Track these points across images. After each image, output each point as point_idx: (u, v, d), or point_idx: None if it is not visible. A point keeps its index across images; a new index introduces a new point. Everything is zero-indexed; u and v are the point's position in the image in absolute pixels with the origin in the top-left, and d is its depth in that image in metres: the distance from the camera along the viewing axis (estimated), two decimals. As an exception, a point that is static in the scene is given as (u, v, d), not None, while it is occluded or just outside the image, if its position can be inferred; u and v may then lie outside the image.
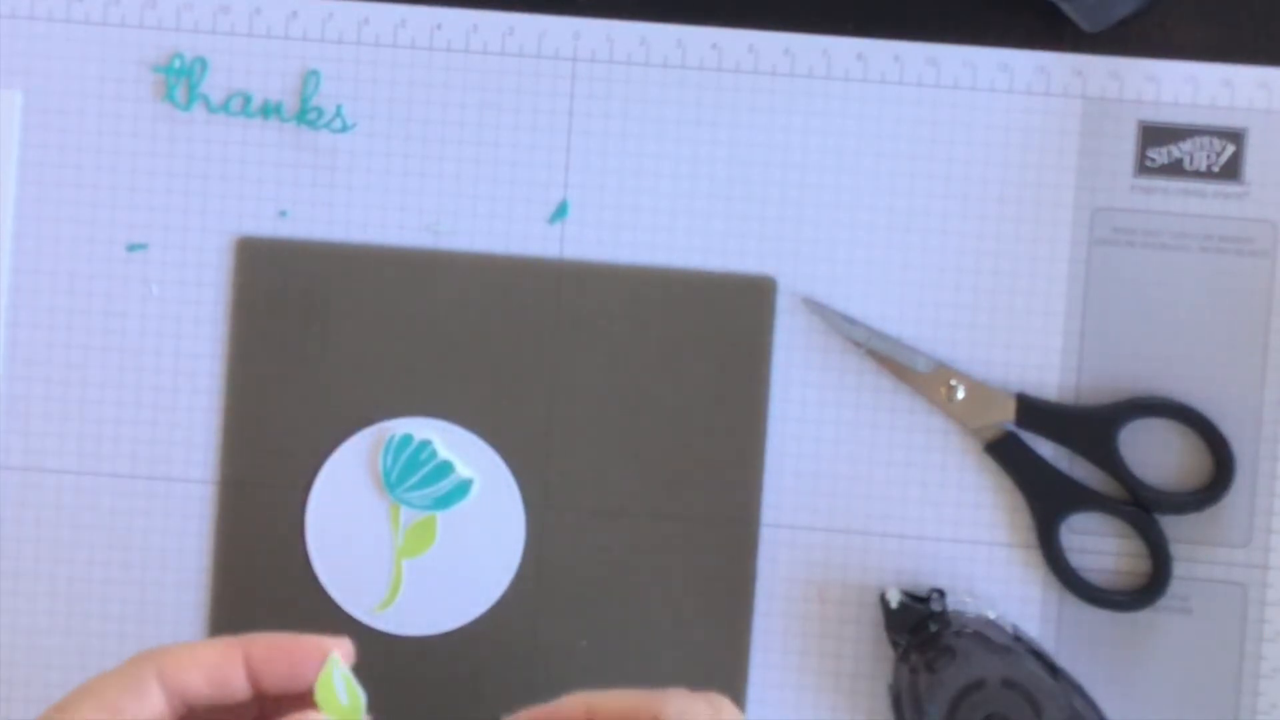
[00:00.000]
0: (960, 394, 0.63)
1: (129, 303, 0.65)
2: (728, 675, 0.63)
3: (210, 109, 0.64)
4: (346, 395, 0.64)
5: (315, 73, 0.64)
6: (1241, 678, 0.63)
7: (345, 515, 0.63)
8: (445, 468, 0.63)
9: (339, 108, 0.64)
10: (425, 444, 0.63)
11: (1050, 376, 0.63)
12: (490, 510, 0.64)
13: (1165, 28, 0.63)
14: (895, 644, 0.62)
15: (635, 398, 0.64)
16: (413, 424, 0.64)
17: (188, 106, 0.64)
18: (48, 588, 0.64)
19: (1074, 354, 0.63)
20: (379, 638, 0.63)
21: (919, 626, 0.61)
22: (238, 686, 0.49)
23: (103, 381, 0.64)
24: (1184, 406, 0.63)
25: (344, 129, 0.64)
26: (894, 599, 0.62)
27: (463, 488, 0.63)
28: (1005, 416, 0.63)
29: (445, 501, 0.63)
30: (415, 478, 0.63)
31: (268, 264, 0.64)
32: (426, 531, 0.63)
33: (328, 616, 0.63)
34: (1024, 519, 0.63)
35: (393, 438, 0.63)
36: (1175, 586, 0.62)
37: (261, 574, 0.64)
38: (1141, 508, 0.62)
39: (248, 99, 0.64)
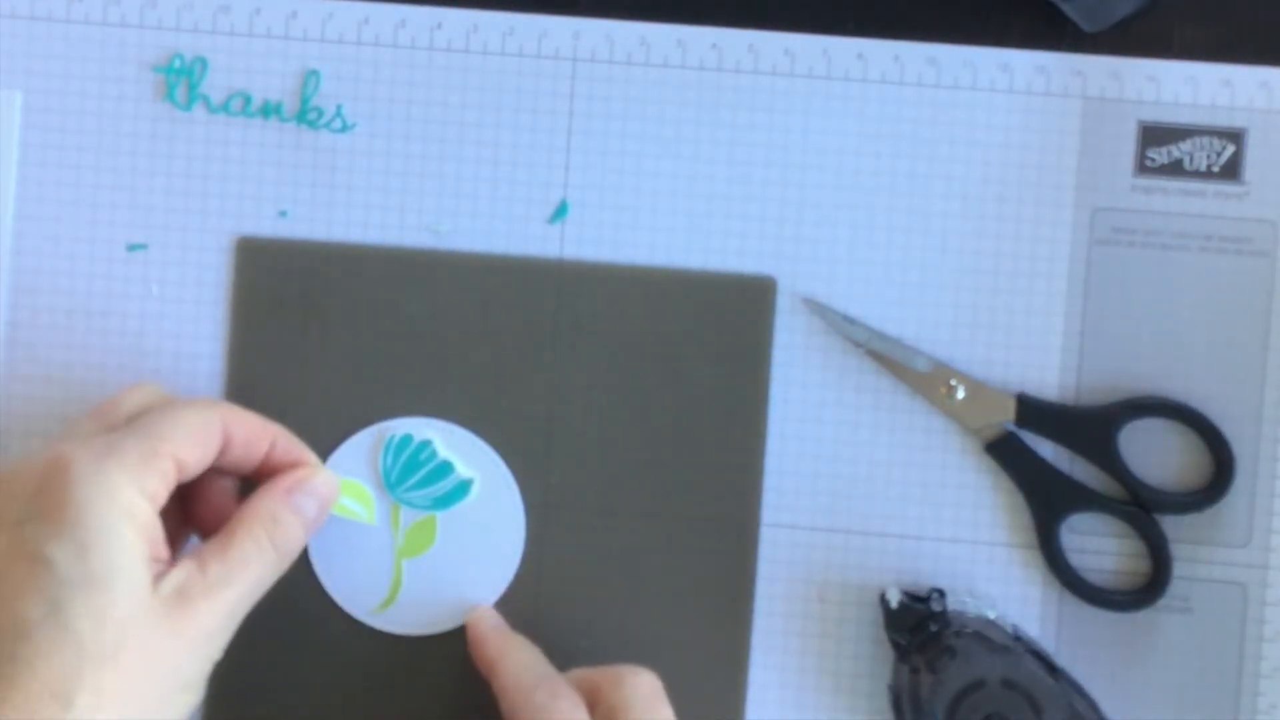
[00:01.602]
0: (960, 394, 0.63)
1: (129, 303, 0.65)
2: (728, 675, 0.63)
3: (210, 109, 0.64)
4: (346, 395, 0.64)
5: (315, 73, 0.64)
6: (1241, 678, 0.63)
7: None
8: (445, 468, 0.63)
9: (339, 108, 0.64)
10: (425, 444, 0.63)
11: (1050, 376, 0.63)
12: (490, 510, 0.64)
13: (1165, 28, 0.63)
14: (895, 644, 0.62)
15: (635, 398, 0.64)
16: (413, 424, 0.63)
17: (188, 106, 0.64)
18: (48, 588, 0.64)
19: (1074, 354, 0.63)
20: (379, 637, 0.63)
21: (919, 626, 0.61)
22: (255, 456, 0.59)
23: (103, 381, 0.64)
24: (1184, 406, 0.63)
25: (344, 129, 0.64)
26: (894, 599, 0.62)
27: (463, 488, 0.63)
28: (1005, 416, 0.63)
29: (445, 501, 0.63)
30: (415, 478, 0.63)
31: (268, 264, 0.64)
32: (426, 531, 0.63)
33: (328, 616, 0.63)
34: (1024, 519, 0.63)
35: (393, 438, 0.63)
36: (1175, 586, 0.62)
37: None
38: (1141, 508, 0.62)
39: (248, 99, 0.64)
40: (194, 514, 0.60)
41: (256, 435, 0.58)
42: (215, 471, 0.59)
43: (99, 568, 0.52)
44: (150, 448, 0.54)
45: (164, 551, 0.55)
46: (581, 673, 0.59)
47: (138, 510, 0.53)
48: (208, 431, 0.57)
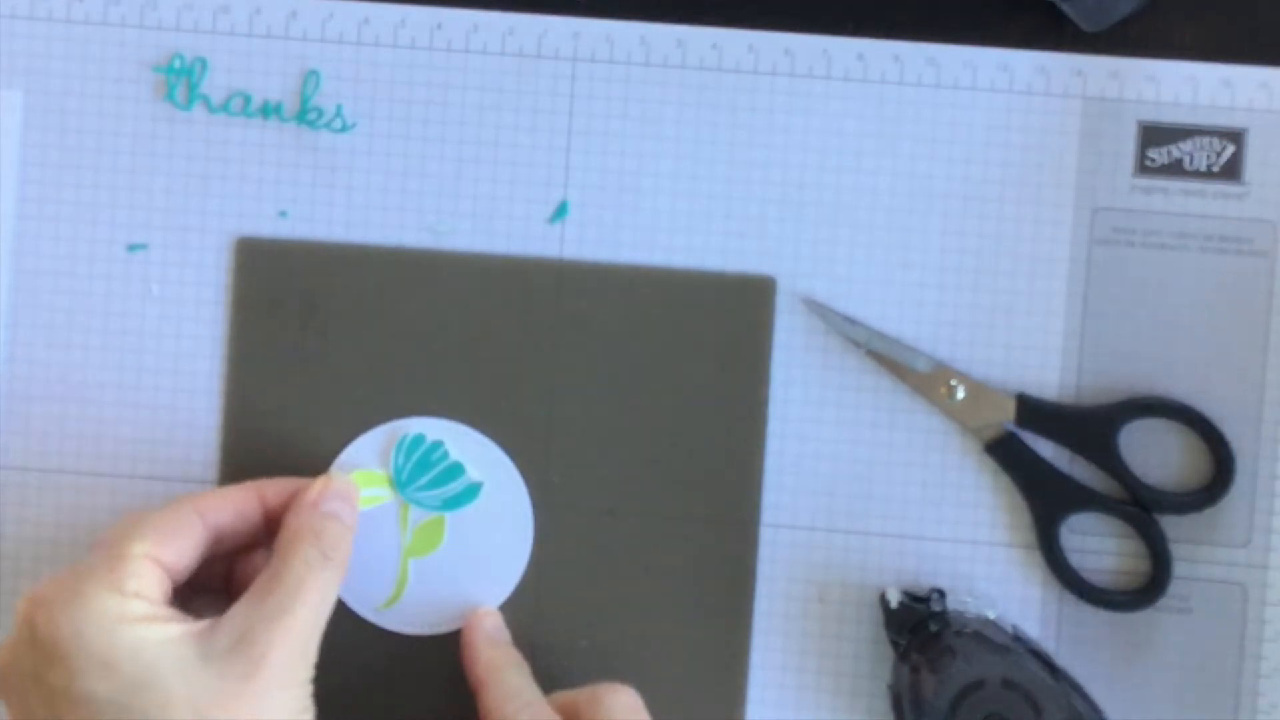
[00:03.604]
0: (960, 394, 0.63)
1: (129, 303, 0.65)
2: (728, 675, 0.63)
3: (210, 109, 0.64)
4: (345, 395, 0.64)
5: (315, 73, 0.64)
6: (1241, 678, 0.63)
7: (352, 514, 0.63)
8: (456, 469, 0.63)
9: (339, 108, 0.64)
10: (437, 445, 0.63)
11: (1050, 376, 0.63)
12: (499, 514, 0.63)
13: (1165, 28, 0.63)
14: (895, 644, 0.62)
15: (635, 398, 0.64)
16: (425, 424, 0.63)
17: (188, 106, 0.64)
18: (48, 588, 0.64)
19: (1074, 354, 0.63)
20: (382, 635, 0.63)
21: (919, 626, 0.61)
22: (254, 517, 0.58)
23: (103, 381, 0.64)
24: (1184, 406, 0.63)
25: (344, 129, 0.64)
26: (894, 599, 0.62)
27: (472, 490, 0.63)
28: (1005, 416, 0.63)
29: (455, 503, 0.63)
30: (426, 478, 0.63)
31: (268, 264, 0.64)
32: (435, 532, 0.63)
33: (333, 611, 0.63)
34: (1024, 519, 0.63)
35: (405, 437, 0.63)
36: (1175, 586, 0.62)
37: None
38: (1141, 508, 0.62)
39: (248, 99, 0.64)
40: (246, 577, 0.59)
41: (241, 501, 0.58)
42: (244, 550, 0.60)
43: (135, 672, 0.52)
44: (115, 554, 0.54)
45: (197, 622, 0.54)
46: (562, 695, 0.59)
47: (130, 610, 0.53)
48: (178, 524, 0.56)
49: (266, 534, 0.59)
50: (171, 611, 0.54)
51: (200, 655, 0.52)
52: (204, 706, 0.51)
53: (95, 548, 0.55)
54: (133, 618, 0.53)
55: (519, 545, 0.64)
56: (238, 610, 0.54)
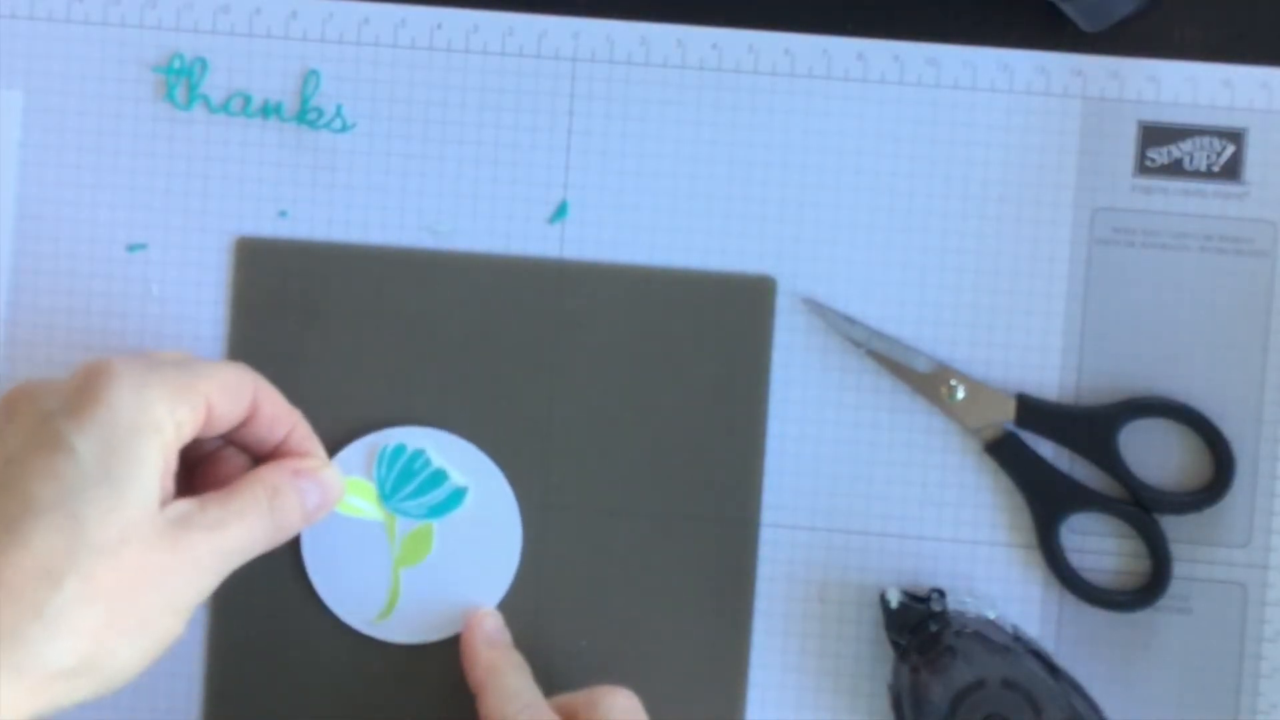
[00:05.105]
0: (960, 394, 0.63)
1: (129, 303, 0.65)
2: (728, 675, 0.63)
3: (210, 109, 0.64)
4: (346, 395, 0.64)
5: (315, 73, 0.64)
6: (1241, 678, 0.63)
7: (341, 526, 0.63)
8: (439, 476, 0.63)
9: (339, 108, 0.64)
10: (419, 453, 0.63)
11: (1050, 376, 0.63)
12: (486, 517, 0.63)
13: (1165, 28, 0.63)
14: (895, 644, 0.62)
15: (635, 398, 0.64)
16: (405, 433, 0.63)
17: (188, 106, 0.64)
18: (48, 588, 0.64)
19: (1074, 354, 0.63)
20: (379, 647, 0.63)
21: (919, 626, 0.61)
22: (273, 440, 0.60)
23: (103, 381, 0.64)
24: (1184, 406, 0.63)
25: (344, 129, 0.64)
26: (894, 599, 0.62)
27: (457, 496, 0.63)
28: (1005, 416, 0.63)
29: (440, 510, 0.63)
30: (410, 487, 0.63)
31: (267, 264, 0.64)
32: (423, 540, 0.63)
33: (326, 628, 0.63)
34: (1024, 519, 0.63)
35: (385, 448, 0.63)
36: (1175, 586, 0.62)
37: (258, 590, 0.63)
38: (1141, 508, 0.62)
39: (248, 99, 0.64)
40: (206, 484, 0.60)
41: (281, 414, 0.59)
42: (232, 447, 0.60)
43: (118, 469, 0.53)
44: (188, 381, 0.56)
45: (172, 486, 0.55)
46: (561, 698, 0.59)
47: (165, 429, 0.54)
48: (240, 388, 0.58)
49: (264, 455, 0.60)
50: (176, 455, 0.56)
51: (159, 503, 0.54)
52: (130, 535, 0.53)
53: (165, 362, 0.56)
54: (162, 434, 0.54)
55: (509, 546, 0.63)
56: (185, 500, 0.55)
